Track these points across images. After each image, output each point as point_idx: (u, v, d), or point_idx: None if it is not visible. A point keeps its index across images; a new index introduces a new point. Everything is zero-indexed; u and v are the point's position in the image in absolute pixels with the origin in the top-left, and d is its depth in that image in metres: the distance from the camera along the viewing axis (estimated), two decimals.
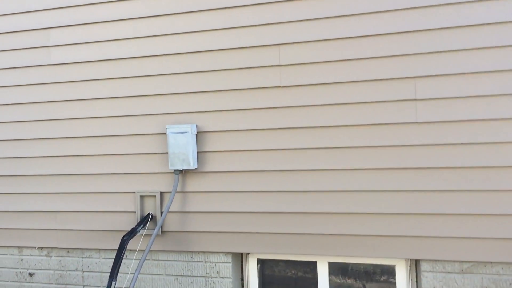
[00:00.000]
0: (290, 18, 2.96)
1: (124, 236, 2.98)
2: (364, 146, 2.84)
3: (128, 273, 3.25)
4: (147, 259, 3.24)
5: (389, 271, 2.95)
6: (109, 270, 3.34)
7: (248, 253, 3.18)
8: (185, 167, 3.07)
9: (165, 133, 3.18)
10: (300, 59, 2.94)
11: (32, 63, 3.47)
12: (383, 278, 2.97)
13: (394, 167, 2.80)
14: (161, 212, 3.20)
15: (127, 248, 3.27)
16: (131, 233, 3.01)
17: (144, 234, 3.17)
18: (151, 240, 3.04)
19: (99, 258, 3.38)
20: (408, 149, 2.78)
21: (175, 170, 3.12)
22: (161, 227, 3.19)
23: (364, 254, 2.87)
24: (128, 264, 3.29)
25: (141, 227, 3.10)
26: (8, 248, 3.58)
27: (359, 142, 2.85)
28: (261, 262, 3.19)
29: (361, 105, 2.85)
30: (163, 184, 3.20)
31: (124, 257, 3.27)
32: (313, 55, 2.92)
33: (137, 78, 3.25)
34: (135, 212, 3.26)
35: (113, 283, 2.81)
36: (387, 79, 2.81)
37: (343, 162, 2.88)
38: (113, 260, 3.31)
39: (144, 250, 3.17)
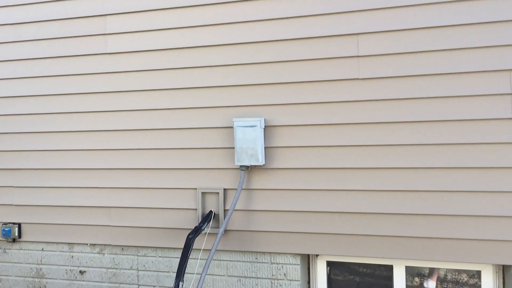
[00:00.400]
0: (369, 6, 2.78)
1: (189, 234, 2.83)
2: (448, 144, 2.66)
3: (192, 273, 3.08)
4: (201, 259, 3.08)
5: (474, 277, 2.77)
6: (166, 270, 3.19)
7: (317, 255, 3.01)
8: (253, 163, 2.91)
9: (230, 127, 3.02)
10: (380, 50, 2.76)
11: (87, 52, 3.31)
12: (467, 284, 2.79)
13: (477, 167, 2.62)
14: (225, 210, 3.03)
15: (181, 247, 3.11)
16: (196, 231, 2.85)
17: (207, 233, 3.01)
18: (217, 239, 2.88)
19: (155, 256, 3.22)
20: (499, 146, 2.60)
21: (241, 166, 2.95)
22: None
23: (446, 258, 2.69)
24: (190, 264, 3.13)
25: (206, 225, 2.94)
26: (58, 245, 3.43)
27: (445, 139, 2.67)
28: (330, 264, 3.02)
29: (449, 99, 2.66)
30: (227, 180, 3.04)
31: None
32: (395, 46, 2.74)
33: (199, 68, 3.09)
34: (195, 209, 3.10)
35: (180, 283, 2.65)
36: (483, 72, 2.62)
37: (425, 160, 2.70)
38: (170, 259, 3.18)
39: (207, 250, 3.01)
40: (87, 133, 3.32)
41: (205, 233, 2.99)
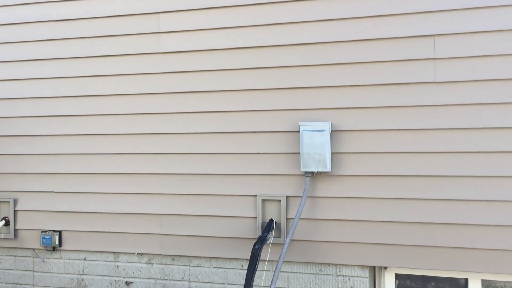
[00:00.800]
0: (448, 6, 2.66)
1: (255, 244, 2.67)
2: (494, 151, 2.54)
3: (258, 286, 2.92)
4: (267, 270, 2.92)
5: None
6: (221, 281, 3.02)
7: (385, 267, 2.86)
8: (320, 169, 2.76)
9: (294, 131, 2.87)
10: (459, 52, 2.64)
11: (139, 51, 3.16)
12: None
13: None
14: (287, 219, 2.88)
15: (239, 258, 2.96)
16: (262, 241, 2.70)
17: (271, 243, 2.84)
18: (284, 250, 2.72)
19: (209, 267, 3.05)
20: None
21: (306, 173, 2.80)
22: (284, 235, 2.87)
23: None
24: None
25: (270, 234, 2.79)
26: (102, 254, 3.25)
27: None
28: (398, 277, 2.87)
29: None
30: (289, 187, 2.89)
31: (242, 267, 2.96)
32: (476, 48, 2.62)
33: (261, 69, 2.95)
34: (254, 217, 2.94)
35: None
36: None
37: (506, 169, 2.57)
38: (226, 270, 3.02)
39: (269, 261, 2.85)
40: (138, 136, 3.16)
41: (269, 243, 2.83)
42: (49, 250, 3.33)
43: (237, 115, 2.98)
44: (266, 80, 2.93)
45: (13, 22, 3.41)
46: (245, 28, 2.98)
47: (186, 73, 3.09)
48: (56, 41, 3.33)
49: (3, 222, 3.37)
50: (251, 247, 2.86)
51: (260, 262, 2.82)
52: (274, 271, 2.68)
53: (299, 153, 2.86)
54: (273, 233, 2.85)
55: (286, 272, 2.91)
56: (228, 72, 3.00)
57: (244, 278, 2.59)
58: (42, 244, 3.29)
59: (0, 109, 3.42)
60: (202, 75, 3.06)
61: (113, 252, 3.23)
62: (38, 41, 3.35)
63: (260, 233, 2.90)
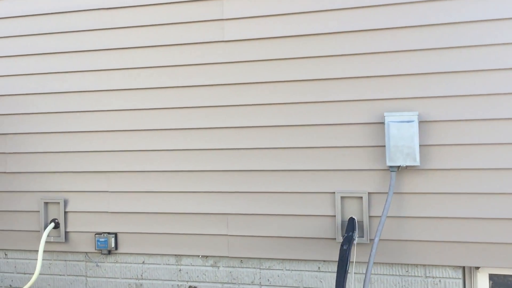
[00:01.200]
0: None
1: (343, 245, 2.48)
2: None
3: None
4: (353, 272, 2.71)
5: None
6: (296, 284, 2.83)
7: (477, 268, 2.67)
8: (409, 163, 2.56)
9: (376, 122, 2.67)
10: None
11: (202, 39, 2.94)
12: None
13: None
14: (369, 217, 2.68)
15: (315, 259, 2.77)
16: (349, 241, 2.50)
17: (355, 243, 2.64)
18: (373, 251, 2.53)
19: (282, 269, 2.85)
20: None
21: (391, 167, 2.61)
22: (367, 235, 2.68)
23: None
24: (325, 277, 2.77)
25: (355, 234, 2.59)
26: (163, 257, 3.04)
27: None
28: (492, 278, 2.68)
29: None
30: (371, 183, 2.69)
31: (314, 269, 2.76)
32: None
33: (338, 57, 2.74)
34: (333, 216, 2.74)
35: None
36: None
37: None
38: (300, 272, 2.85)
39: (352, 262, 2.65)
40: (202, 130, 2.94)
41: (354, 243, 2.63)
42: (104, 254, 3.12)
43: (310, 107, 2.78)
44: (344, 69, 2.73)
45: (69, 10, 3.17)
46: (317, 14, 2.77)
47: (253, 62, 2.88)
48: (102, 30, 3.11)
49: (52, 224, 3.15)
50: (329, 248, 2.71)
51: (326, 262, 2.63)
52: (365, 274, 2.48)
53: (382, 146, 2.66)
54: (357, 232, 2.65)
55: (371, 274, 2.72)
56: (300, 61, 2.79)
57: (335, 280, 2.39)
58: (97, 247, 3.08)
59: (50, 105, 3.20)
60: (270, 65, 2.86)
61: (175, 255, 3.02)
62: (92, 30, 3.12)
63: (340, 233, 2.70)
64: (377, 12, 2.67)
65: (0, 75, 3.29)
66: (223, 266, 2.95)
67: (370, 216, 2.68)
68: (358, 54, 2.70)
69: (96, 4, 3.11)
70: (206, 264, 2.97)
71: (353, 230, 2.60)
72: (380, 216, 2.59)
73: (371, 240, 2.67)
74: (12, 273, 3.29)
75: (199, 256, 2.98)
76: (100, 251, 3.10)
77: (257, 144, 2.86)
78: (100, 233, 3.10)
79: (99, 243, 3.08)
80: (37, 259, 3.20)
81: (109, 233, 3.09)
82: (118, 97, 3.08)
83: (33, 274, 3.23)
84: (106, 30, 3.11)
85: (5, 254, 3.31)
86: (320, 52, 2.76)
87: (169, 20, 2.99)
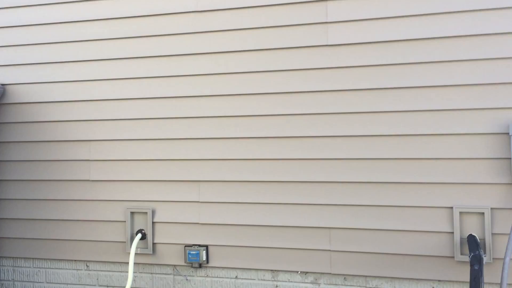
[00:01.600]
0: None
1: (473, 264, 2.30)
2: None
3: None
4: None
5: None
6: None
7: None
8: None
9: (499, 133, 2.49)
10: None
11: (304, 44, 2.80)
12: None
13: None
14: (492, 234, 2.50)
15: (429, 279, 2.59)
16: (479, 260, 2.31)
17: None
18: (505, 272, 2.33)
19: None
20: None
21: None
22: (491, 253, 2.49)
23: None
24: None
25: (481, 252, 2.40)
26: (257, 271, 2.89)
27: None
28: None
29: None
30: (494, 198, 2.51)
31: None
32: None
33: (459, 62, 2.57)
34: (450, 232, 2.56)
35: None
36: None
37: None
38: None
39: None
40: (298, 139, 2.80)
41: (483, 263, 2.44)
42: (194, 267, 2.97)
43: (424, 115, 2.61)
44: (463, 75, 2.55)
45: (157, 13, 3.06)
46: (433, 16, 2.61)
47: (357, 68, 2.73)
48: (201, 34, 2.99)
49: (139, 235, 3.02)
50: (446, 267, 2.56)
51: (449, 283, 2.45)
52: None
53: (506, 158, 2.48)
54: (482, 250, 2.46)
55: None
56: (411, 67, 2.63)
57: None
58: (188, 260, 2.94)
59: (136, 110, 3.08)
60: (377, 71, 2.70)
61: (271, 270, 2.87)
62: (183, 34, 3.00)
63: (459, 251, 2.52)
64: (505, 14, 2.50)
65: (84, 80, 3.19)
66: (324, 283, 2.78)
67: (493, 234, 2.50)
68: (481, 60, 2.53)
69: (189, 6, 2.99)
70: (306, 281, 2.81)
71: (476, 248, 2.41)
72: (509, 233, 2.40)
73: (494, 259, 2.48)
74: (94, 285, 3.17)
75: (297, 272, 2.82)
76: (191, 264, 2.96)
77: (365, 154, 2.70)
78: (190, 245, 2.96)
79: (190, 256, 2.93)
80: (121, 271, 3.11)
81: (199, 245, 2.95)
82: (210, 103, 2.95)
83: (116, 287, 3.11)
84: (198, 34, 2.99)
85: (87, 266, 3.19)
86: (436, 57, 2.60)
87: (269, 24, 2.86)
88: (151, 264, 3.06)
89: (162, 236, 3.03)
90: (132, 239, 3.04)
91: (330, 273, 2.76)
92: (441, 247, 2.57)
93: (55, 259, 3.24)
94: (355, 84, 2.72)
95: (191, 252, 2.94)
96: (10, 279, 3.32)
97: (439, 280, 2.59)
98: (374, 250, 2.68)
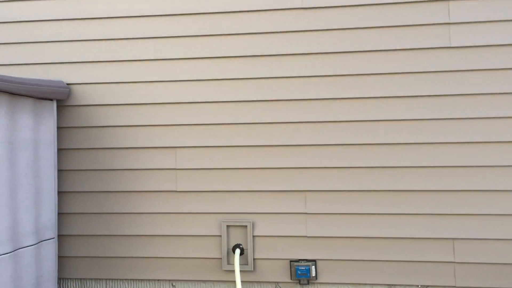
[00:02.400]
0: None
1: None
2: None
3: None
4: None
5: None
6: None
7: None
8: None
9: None
10: None
11: (424, 45, 2.66)
12: None
13: None
14: None
15: None
16: None
17: None
18: None
19: None
20: None
21: None
22: None
23: None
24: None
25: None
26: (373, 286, 2.71)
27: None
28: None
29: None
30: None
31: None
32: None
33: None
34: None
35: None
36: None
37: None
38: None
39: None
40: (382, 146, 2.66)
41: None
42: (302, 284, 2.76)
43: None
44: None
45: (256, 9, 2.81)
46: None
47: (481, 72, 2.63)
48: (305, 32, 2.78)
49: (238, 250, 2.77)
50: None
51: None
52: None
53: None
54: None
55: None
56: None
57: None
58: (297, 276, 2.72)
59: (228, 115, 2.82)
60: (497, 74, 2.61)
61: (387, 285, 2.71)
62: (287, 32, 2.77)
63: None
64: None
65: (166, 80, 2.88)
66: None
67: None
68: None
69: (294, 3, 2.77)
70: None
71: None
72: None
73: None
74: None
75: (418, 286, 2.68)
76: (298, 281, 2.75)
77: (463, 162, 2.60)
78: (296, 260, 2.74)
79: (299, 272, 2.72)
80: None
81: (307, 260, 2.74)
82: (317, 106, 2.75)
83: None
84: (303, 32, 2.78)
85: (173, 285, 2.88)
86: None
87: (387, 23, 2.70)
88: (251, 282, 2.81)
89: (263, 251, 2.79)
90: (228, 255, 2.78)
91: (455, 286, 2.64)
92: None
93: (133, 279, 2.91)
94: (481, 89, 2.62)
95: (300, 268, 2.72)
96: None
97: None
98: (503, 261, 2.59)
